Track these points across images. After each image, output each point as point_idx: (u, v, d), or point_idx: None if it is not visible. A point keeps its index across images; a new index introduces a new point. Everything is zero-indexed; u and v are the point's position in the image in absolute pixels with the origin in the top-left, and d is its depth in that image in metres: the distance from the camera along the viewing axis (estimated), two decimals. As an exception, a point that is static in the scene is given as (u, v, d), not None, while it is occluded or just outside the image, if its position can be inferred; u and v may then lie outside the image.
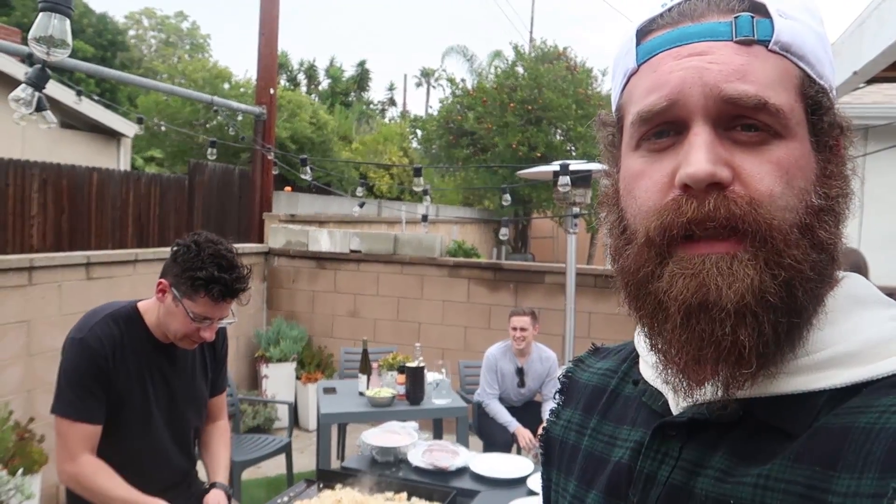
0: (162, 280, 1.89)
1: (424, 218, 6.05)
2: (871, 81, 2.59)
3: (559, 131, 14.12)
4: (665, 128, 0.55)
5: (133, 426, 1.94)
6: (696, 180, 0.50)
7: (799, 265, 0.50)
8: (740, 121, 0.52)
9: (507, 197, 5.01)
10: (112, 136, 11.00)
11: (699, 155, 0.51)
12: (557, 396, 0.78)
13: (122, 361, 1.89)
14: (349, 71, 26.18)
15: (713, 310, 0.50)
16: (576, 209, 4.45)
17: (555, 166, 3.56)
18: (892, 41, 1.72)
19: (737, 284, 0.49)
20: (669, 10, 0.57)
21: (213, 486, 2.12)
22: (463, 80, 17.09)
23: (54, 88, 8.41)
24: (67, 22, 1.24)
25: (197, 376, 2.11)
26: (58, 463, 1.86)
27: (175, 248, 1.90)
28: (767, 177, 0.51)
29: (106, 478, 1.85)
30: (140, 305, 1.99)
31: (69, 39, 1.26)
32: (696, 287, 0.50)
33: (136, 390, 1.92)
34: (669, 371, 0.55)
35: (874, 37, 1.85)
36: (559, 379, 0.80)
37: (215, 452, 2.21)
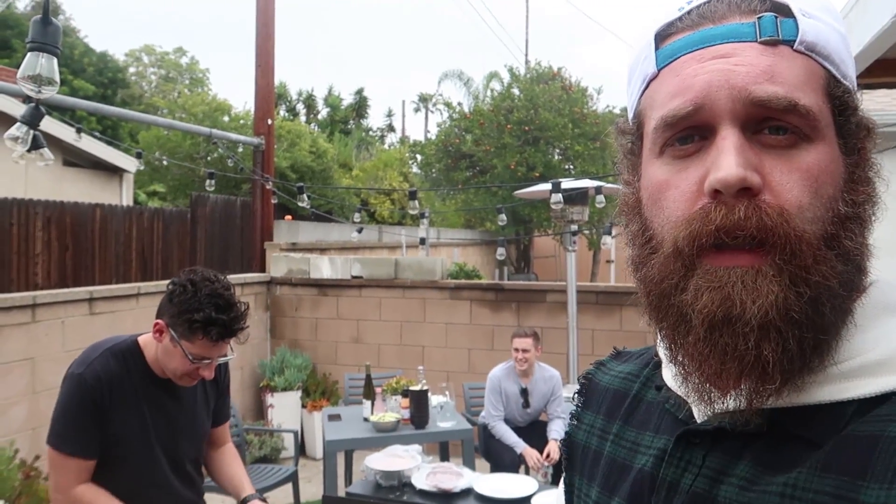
0: (158, 321, 1.86)
1: (423, 241, 6.08)
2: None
3: (557, 151, 14.21)
4: (690, 132, 0.53)
5: (133, 460, 1.92)
6: (727, 185, 0.49)
7: (826, 281, 0.49)
8: (768, 123, 0.51)
9: (503, 217, 5.04)
10: (114, 171, 11.11)
11: (729, 159, 0.49)
12: (576, 398, 0.77)
13: (121, 397, 1.87)
14: (347, 99, 26.43)
15: (737, 324, 0.49)
16: (574, 226, 4.48)
17: (550, 185, 3.60)
18: (860, 48, 1.77)
19: (761, 300, 0.48)
20: (688, 13, 0.55)
21: (245, 500, 2.09)
22: (460, 104, 17.30)
23: (56, 127, 8.52)
24: (55, 60, 1.28)
25: (198, 409, 2.08)
26: (51, 491, 1.86)
27: (171, 288, 1.85)
28: (797, 186, 0.50)
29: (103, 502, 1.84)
30: (140, 340, 1.96)
31: (57, 77, 1.30)
32: (720, 300, 0.49)
33: (135, 425, 1.90)
34: (690, 383, 0.55)
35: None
36: (579, 380, 0.79)
37: (232, 472, 2.19)
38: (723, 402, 0.53)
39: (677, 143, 0.54)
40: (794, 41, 0.52)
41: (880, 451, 0.45)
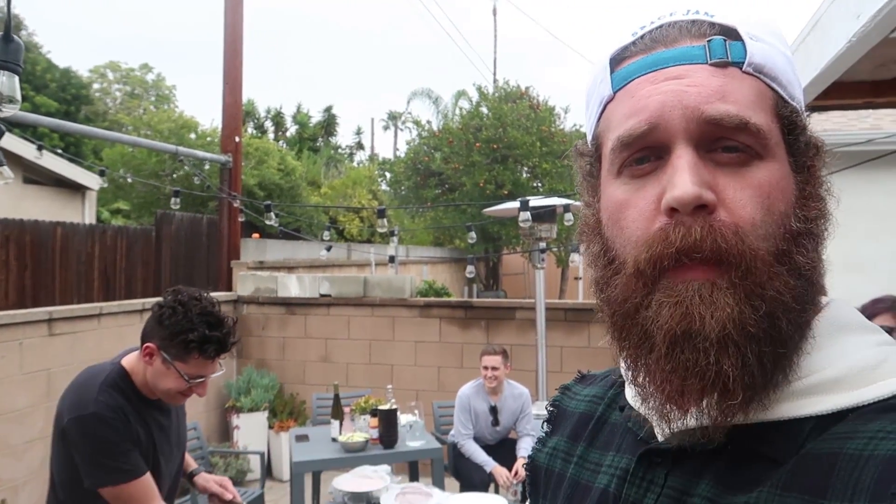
0: (149, 344, 1.85)
1: (392, 259, 6.06)
2: (808, 109, 2.70)
3: (525, 169, 14.34)
4: (646, 153, 0.54)
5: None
6: (683, 203, 0.50)
7: (780, 296, 0.50)
8: (721, 142, 0.52)
9: (473, 235, 5.06)
10: (77, 189, 10.91)
11: (684, 177, 0.50)
12: (545, 426, 0.77)
13: (131, 424, 1.88)
14: (316, 116, 26.37)
15: (697, 339, 0.49)
16: (542, 244, 4.51)
17: (518, 203, 3.62)
18: (817, 71, 1.83)
19: (718, 313, 0.49)
20: (641, 37, 0.57)
21: (192, 474, 2.23)
22: (429, 122, 17.34)
23: (16, 143, 8.33)
24: (16, 79, 1.26)
25: (182, 420, 2.14)
26: None
27: (159, 311, 1.85)
28: (750, 202, 0.51)
29: None
30: (126, 365, 1.93)
31: (18, 96, 1.28)
32: (680, 315, 0.50)
33: (148, 447, 1.93)
34: (651, 403, 0.55)
35: (802, 68, 1.96)
36: (546, 408, 0.79)
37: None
38: (683, 422, 0.54)
39: (634, 163, 0.55)
40: (743, 63, 0.53)
41: (839, 470, 0.46)
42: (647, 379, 0.55)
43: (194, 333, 1.81)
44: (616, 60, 0.58)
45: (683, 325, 0.50)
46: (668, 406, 0.54)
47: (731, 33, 0.55)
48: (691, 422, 0.53)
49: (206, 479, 2.24)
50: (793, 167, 0.55)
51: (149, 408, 1.95)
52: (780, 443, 0.51)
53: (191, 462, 2.27)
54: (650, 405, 0.56)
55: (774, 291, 0.50)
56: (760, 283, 0.50)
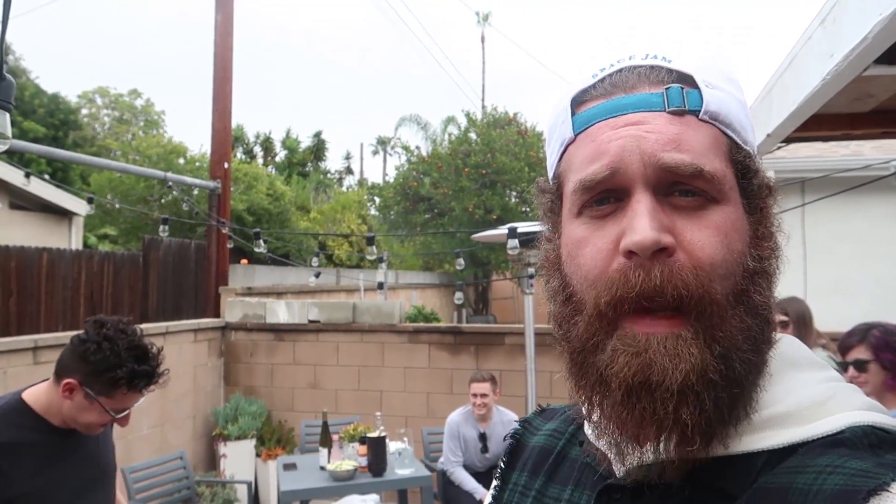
0: (69, 380, 1.74)
1: (381, 285, 6.06)
2: (787, 141, 2.77)
3: (514, 194, 14.44)
4: (606, 195, 0.55)
5: None
6: (643, 248, 0.51)
7: (735, 335, 0.52)
8: (678, 187, 0.54)
9: (461, 261, 5.08)
10: (63, 215, 10.86)
11: (643, 222, 0.51)
12: (502, 459, 0.77)
13: (18, 463, 1.73)
14: (305, 141, 26.48)
15: (657, 390, 0.50)
16: (531, 269, 4.54)
17: (506, 229, 3.65)
18: (794, 106, 1.88)
19: (682, 365, 0.50)
20: (602, 80, 0.58)
21: None
22: (418, 147, 17.46)
23: (3, 169, 8.32)
24: (7, 116, 1.28)
25: (103, 448, 1.99)
26: None
27: (83, 347, 1.75)
28: (708, 243, 0.52)
29: None
30: (26, 397, 1.82)
31: (9, 132, 1.30)
32: (638, 366, 0.51)
33: (42, 486, 1.77)
34: (607, 439, 0.57)
35: (780, 103, 2.02)
36: (505, 440, 0.79)
37: None
38: (640, 457, 0.55)
39: (595, 204, 0.56)
40: (700, 111, 0.55)
41: (790, 503, 0.47)
42: (603, 419, 0.56)
43: (123, 370, 1.73)
44: (577, 102, 0.59)
45: (641, 376, 0.50)
46: (623, 442, 0.55)
47: (687, 80, 0.56)
48: (649, 457, 0.54)
49: None
50: (746, 209, 0.57)
51: (54, 438, 1.82)
52: (735, 477, 0.52)
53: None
54: (607, 441, 0.57)
55: (731, 332, 0.52)
56: (719, 325, 0.51)
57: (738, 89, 0.60)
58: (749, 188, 0.58)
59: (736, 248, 0.54)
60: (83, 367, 1.74)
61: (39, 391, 1.83)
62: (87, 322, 1.83)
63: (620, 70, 0.58)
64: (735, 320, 0.52)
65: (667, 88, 0.55)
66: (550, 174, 0.65)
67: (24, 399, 1.82)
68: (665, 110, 0.55)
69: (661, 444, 0.52)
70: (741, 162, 0.57)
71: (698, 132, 0.55)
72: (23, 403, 1.81)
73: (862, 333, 2.24)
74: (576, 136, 0.58)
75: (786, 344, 0.58)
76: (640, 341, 0.52)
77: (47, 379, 1.86)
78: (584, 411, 0.59)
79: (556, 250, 0.62)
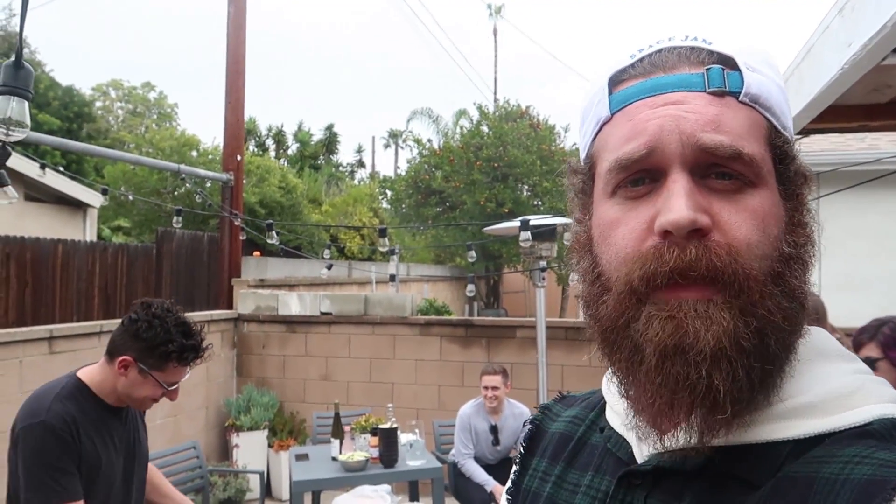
0: (125, 357, 1.91)
1: (392, 277, 6.07)
2: (803, 133, 2.74)
3: (525, 187, 14.41)
4: (642, 175, 0.55)
5: (102, 492, 1.96)
6: (678, 227, 0.51)
7: (771, 315, 0.51)
8: (715, 169, 0.53)
9: (472, 254, 5.08)
10: (78, 206, 10.94)
11: (679, 202, 0.51)
12: (521, 444, 0.77)
13: (85, 434, 1.90)
14: (317, 134, 26.51)
15: (689, 353, 0.50)
16: (542, 263, 4.53)
17: (518, 222, 3.65)
18: (811, 97, 1.86)
19: (714, 327, 0.49)
20: (640, 60, 0.58)
21: None
22: (430, 141, 17.44)
23: (18, 161, 8.38)
24: (26, 104, 1.30)
25: (140, 432, 2.16)
26: None
27: (134, 326, 1.92)
28: (745, 225, 0.52)
29: None
30: (82, 376, 1.99)
31: (27, 120, 1.31)
32: (672, 329, 0.50)
33: (101, 458, 1.94)
34: (640, 418, 0.56)
35: (796, 94, 2.00)
36: (525, 425, 0.79)
37: (170, 491, 2.35)
38: (668, 438, 0.54)
39: (629, 184, 0.56)
40: (740, 93, 0.54)
41: (816, 493, 0.46)
42: (638, 392, 0.55)
43: (173, 344, 1.90)
44: (614, 82, 0.58)
45: (675, 339, 0.50)
46: (652, 425, 0.55)
47: (728, 62, 0.55)
48: (673, 441, 0.54)
49: None
50: (782, 195, 0.56)
51: (108, 416, 1.99)
52: (758, 465, 0.51)
53: (186, 500, 2.33)
54: (635, 423, 0.56)
55: (767, 310, 0.51)
56: (754, 301, 0.51)
57: (777, 75, 0.59)
58: (786, 174, 0.57)
59: (772, 233, 0.53)
60: (136, 344, 1.91)
61: (93, 371, 2.00)
62: (134, 305, 2.00)
63: (660, 51, 0.57)
64: (771, 300, 0.52)
65: (707, 69, 0.55)
66: (583, 155, 0.64)
67: (81, 378, 1.99)
68: (705, 91, 0.54)
69: (693, 414, 0.51)
70: (779, 147, 0.57)
71: (738, 114, 0.54)
72: (81, 382, 1.97)
73: (873, 331, 2.22)
74: (612, 114, 0.58)
75: (814, 335, 0.58)
76: (672, 305, 0.51)
77: (94, 362, 2.03)
78: (620, 389, 0.58)
79: (588, 231, 0.61)
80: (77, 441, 1.86)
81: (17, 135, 1.27)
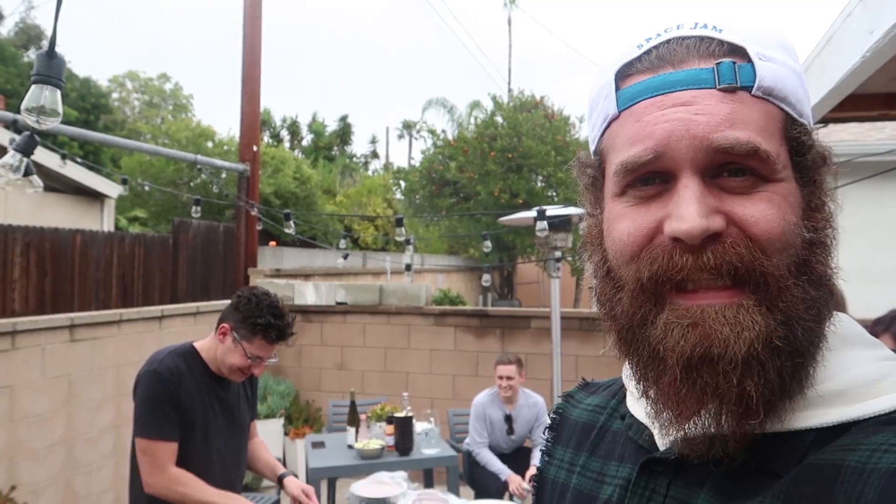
0: (224, 324, 2.24)
1: (408, 267, 6.09)
2: (823, 121, 2.72)
3: (540, 178, 14.36)
4: (651, 175, 0.53)
5: (198, 443, 2.21)
6: (690, 236, 0.49)
7: (800, 307, 0.50)
8: (728, 167, 0.51)
9: (488, 243, 5.08)
10: (96, 197, 11.05)
11: (691, 209, 0.50)
12: (547, 433, 0.77)
13: (187, 388, 2.19)
14: (332, 126, 26.58)
15: (719, 363, 0.48)
16: (557, 253, 4.53)
17: (534, 212, 3.65)
18: (831, 86, 1.85)
19: (745, 333, 0.48)
20: (648, 52, 0.55)
21: (281, 476, 2.52)
22: (444, 131, 17.42)
23: (38, 152, 8.47)
24: (58, 93, 1.31)
25: (241, 403, 2.43)
26: (145, 476, 2.14)
27: (237, 300, 2.26)
28: (762, 217, 0.51)
29: (193, 484, 2.14)
30: (196, 345, 2.31)
31: (60, 109, 1.33)
32: (697, 338, 0.49)
33: (199, 412, 2.21)
34: (661, 418, 0.54)
35: (817, 82, 1.98)
36: (549, 415, 0.79)
37: (267, 458, 2.61)
38: (686, 431, 0.53)
39: (639, 183, 0.54)
40: (753, 87, 0.52)
41: (842, 482, 0.45)
42: (659, 397, 0.54)
43: (262, 319, 2.18)
44: (621, 76, 0.57)
45: (702, 349, 0.49)
46: (675, 417, 0.53)
47: (739, 52, 0.53)
48: (695, 431, 0.52)
49: (293, 485, 2.50)
50: (799, 182, 0.55)
51: (212, 381, 2.28)
52: (781, 454, 0.51)
53: (280, 467, 2.57)
54: (660, 420, 0.55)
55: (793, 302, 0.50)
56: (779, 295, 0.50)
57: (793, 58, 0.56)
58: (803, 163, 0.55)
59: (791, 221, 0.52)
60: (235, 314, 2.23)
61: (205, 342, 2.32)
62: (242, 288, 2.34)
63: (668, 41, 0.55)
64: (798, 290, 0.51)
65: (717, 63, 0.52)
66: (592, 148, 0.63)
67: (194, 345, 2.31)
68: (716, 87, 0.52)
69: (722, 418, 0.50)
70: (796, 138, 0.55)
71: (752, 109, 0.52)
72: (194, 349, 2.30)
73: (888, 322, 2.20)
74: (620, 112, 0.56)
75: (839, 321, 0.56)
76: (694, 312, 0.50)
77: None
78: (639, 388, 0.57)
79: (599, 225, 0.60)
80: (178, 391, 2.15)
81: (49, 123, 1.29)
